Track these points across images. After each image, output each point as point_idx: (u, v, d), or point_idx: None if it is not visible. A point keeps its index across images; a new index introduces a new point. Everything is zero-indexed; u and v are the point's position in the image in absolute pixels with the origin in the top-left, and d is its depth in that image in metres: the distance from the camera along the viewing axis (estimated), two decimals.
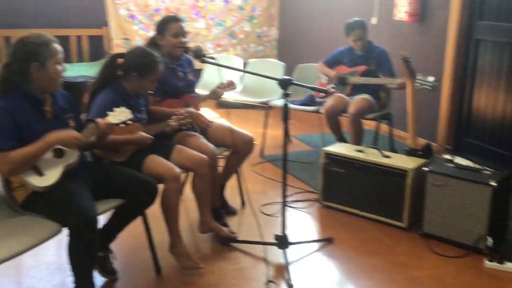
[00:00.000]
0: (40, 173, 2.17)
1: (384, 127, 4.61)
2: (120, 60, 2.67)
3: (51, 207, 2.16)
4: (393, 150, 4.15)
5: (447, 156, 3.21)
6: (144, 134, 2.57)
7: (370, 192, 3.30)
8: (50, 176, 2.18)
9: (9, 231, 2.07)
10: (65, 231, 2.14)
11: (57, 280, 2.59)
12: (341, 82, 4.28)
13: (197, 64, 3.19)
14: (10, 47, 2.26)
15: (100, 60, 6.71)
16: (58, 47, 2.26)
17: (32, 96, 2.23)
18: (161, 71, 2.70)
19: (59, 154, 2.23)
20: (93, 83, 2.69)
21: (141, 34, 6.86)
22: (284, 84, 2.58)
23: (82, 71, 6.08)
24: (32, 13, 6.45)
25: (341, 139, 4.24)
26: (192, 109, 2.92)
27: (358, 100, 4.09)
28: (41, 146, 2.13)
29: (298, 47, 7.13)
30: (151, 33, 6.69)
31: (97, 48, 6.79)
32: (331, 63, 4.43)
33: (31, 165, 2.14)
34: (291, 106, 3.68)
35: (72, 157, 2.24)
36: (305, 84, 2.74)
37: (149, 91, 2.75)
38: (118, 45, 6.79)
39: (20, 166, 2.11)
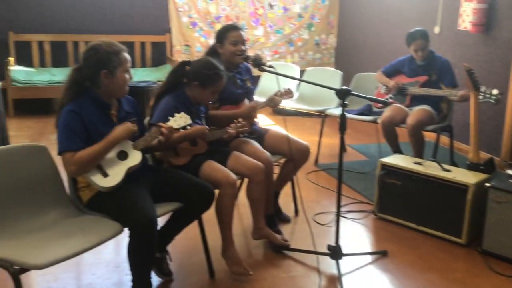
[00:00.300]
0: (104, 174, 2.27)
1: (444, 140, 4.49)
2: (188, 68, 2.75)
3: (114, 207, 2.26)
4: (454, 163, 4.03)
5: (511, 172, 3.09)
6: (199, 126, 2.64)
7: (428, 206, 3.22)
8: (114, 178, 2.27)
9: (75, 230, 2.17)
10: (126, 231, 2.23)
11: (115, 278, 2.70)
12: (400, 92, 4.20)
13: (254, 71, 3.24)
14: (83, 52, 2.37)
15: (162, 65, 6.92)
16: (127, 56, 2.36)
17: (99, 100, 2.34)
18: (224, 84, 2.76)
19: (123, 156, 2.32)
20: (159, 88, 2.79)
21: (201, 41, 7.02)
22: (342, 94, 2.57)
23: (144, 76, 6.30)
24: (100, 19, 6.75)
25: (397, 150, 4.16)
26: (248, 104, 2.96)
27: (418, 111, 4.01)
28: (106, 143, 2.23)
29: (356, 56, 7.06)
30: (211, 40, 6.89)
31: (159, 54, 7.01)
32: (390, 73, 4.36)
33: (96, 164, 2.25)
34: (348, 115, 3.67)
35: (135, 159, 2.33)
36: (363, 95, 2.71)
37: (208, 102, 2.82)
38: (179, 52, 6.98)
39: (87, 166, 2.22)
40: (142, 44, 6.92)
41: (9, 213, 2.14)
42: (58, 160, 2.34)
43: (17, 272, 1.89)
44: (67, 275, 2.70)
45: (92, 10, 6.71)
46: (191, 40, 7.00)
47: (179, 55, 6.97)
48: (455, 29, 5.10)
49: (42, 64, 6.64)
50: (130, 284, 2.32)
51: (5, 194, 2.14)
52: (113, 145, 2.26)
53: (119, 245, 2.98)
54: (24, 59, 6.51)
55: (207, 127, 2.67)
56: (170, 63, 6.82)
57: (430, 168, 3.27)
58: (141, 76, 6.24)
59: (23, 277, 1.93)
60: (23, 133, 5.38)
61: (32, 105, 6.21)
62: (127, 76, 2.36)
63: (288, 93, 3.23)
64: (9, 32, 6.40)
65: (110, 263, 2.82)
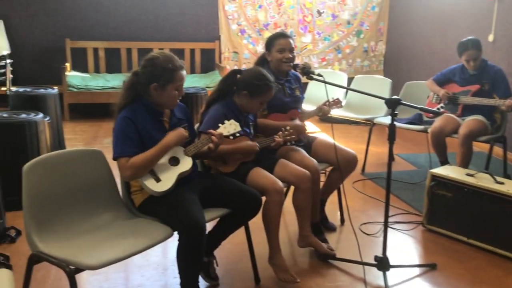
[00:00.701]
0: (157, 179, 2.34)
1: (497, 151, 4.35)
2: (239, 76, 2.80)
3: (164, 211, 2.32)
4: (507, 175, 3.90)
5: None
6: (251, 142, 2.67)
7: (480, 219, 3.13)
8: (166, 183, 2.34)
9: (127, 232, 2.25)
10: (175, 235, 2.28)
11: (163, 280, 2.76)
12: (452, 101, 4.11)
13: (302, 78, 3.25)
14: (143, 59, 2.44)
15: (210, 72, 7.04)
16: (182, 74, 2.40)
17: (152, 107, 2.41)
18: (272, 95, 2.78)
19: (174, 162, 2.39)
20: (210, 96, 2.84)
21: (249, 48, 7.10)
22: (392, 104, 2.54)
23: (194, 82, 6.43)
24: (152, 27, 6.94)
25: (445, 161, 4.06)
26: (297, 122, 2.99)
27: (471, 121, 3.90)
28: (158, 150, 2.31)
29: (406, 63, 6.95)
30: (260, 47, 6.97)
31: (208, 60, 7.14)
32: (442, 82, 4.27)
33: (150, 169, 2.32)
34: (397, 124, 3.62)
35: (186, 165, 2.39)
36: (414, 105, 2.67)
37: (256, 111, 2.85)
38: (227, 58, 7.09)
39: (141, 171, 2.30)
40: (192, 51, 7.07)
41: (66, 214, 2.24)
42: (112, 164, 2.43)
43: (72, 272, 1.97)
44: (118, 275, 2.79)
45: (145, 18, 6.91)
46: (239, 47, 7.09)
47: (228, 62, 7.07)
48: (510, 37, 4.94)
49: (97, 70, 6.89)
50: (178, 287, 2.37)
51: (63, 196, 2.24)
52: (165, 150, 2.33)
53: (167, 248, 3.05)
54: (80, 65, 6.78)
55: (258, 145, 2.71)
56: (218, 70, 6.93)
57: (483, 180, 3.18)
58: (191, 82, 6.37)
59: (77, 276, 2.02)
60: (77, 137, 5.59)
61: (87, 109, 6.45)
62: (176, 92, 2.40)
63: (337, 103, 3.24)
64: (66, 39, 6.69)
65: (158, 266, 2.89)
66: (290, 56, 3.08)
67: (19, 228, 3.19)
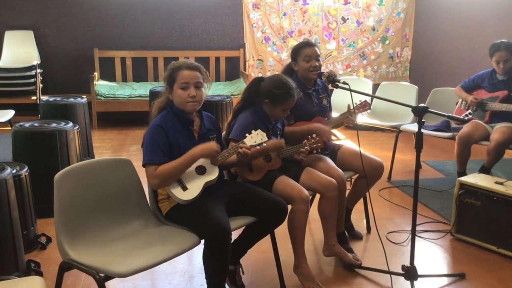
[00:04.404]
0: (184, 187, 2.37)
1: None
2: (262, 84, 2.81)
3: (190, 219, 2.35)
4: None
5: None
6: (275, 140, 2.69)
7: (510, 228, 3.07)
8: (192, 191, 2.37)
9: (155, 240, 2.28)
10: (202, 243, 2.31)
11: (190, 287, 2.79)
12: (480, 107, 4.05)
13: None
14: None
15: (235, 80, 7.09)
16: (186, 73, 2.41)
17: (182, 116, 2.45)
18: (295, 102, 2.78)
19: (201, 171, 2.42)
20: (237, 104, 2.87)
21: (274, 55, 7.12)
22: (420, 112, 2.52)
23: (219, 90, 6.48)
24: (178, 36, 7.04)
25: (463, 172, 4.01)
26: (321, 125, 2.97)
27: (504, 128, 3.84)
28: (186, 160, 2.34)
29: (432, 69, 6.87)
30: (284, 54, 6.99)
31: (233, 68, 7.20)
32: (470, 88, 4.22)
33: (177, 178, 2.35)
34: (425, 131, 3.58)
35: (213, 174, 2.42)
36: (441, 113, 2.65)
37: (279, 118, 2.86)
38: (252, 66, 7.13)
39: (168, 179, 2.34)
40: (217, 59, 7.13)
41: (96, 222, 2.28)
42: (140, 172, 2.47)
43: (102, 279, 2.00)
44: (145, 282, 2.83)
45: (171, 27, 7.00)
46: (264, 55, 7.13)
47: (252, 70, 7.11)
48: None
49: (124, 79, 7.01)
50: None
51: (93, 204, 2.29)
52: (193, 161, 2.36)
53: (193, 255, 3.07)
54: (107, 74, 6.92)
55: (282, 141, 2.71)
56: (243, 78, 6.97)
57: None
58: (216, 90, 6.43)
59: (106, 283, 2.05)
60: (105, 145, 5.69)
61: (114, 117, 6.56)
62: (181, 91, 2.41)
63: (364, 106, 3.17)
64: (94, 49, 6.83)
65: (185, 273, 2.92)
66: (317, 64, 3.09)
67: (50, 235, 3.26)
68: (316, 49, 3.13)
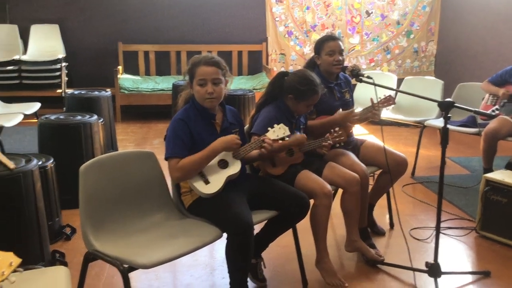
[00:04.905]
0: (206, 181, 2.38)
1: None
2: (286, 78, 2.80)
3: (213, 212, 2.35)
4: None
5: None
6: (298, 135, 2.67)
7: None
8: (215, 185, 2.37)
9: (178, 232, 2.29)
10: (224, 236, 2.31)
11: (212, 280, 2.80)
12: (510, 101, 3.96)
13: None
14: None
15: (257, 74, 7.08)
16: (202, 70, 2.40)
17: (205, 110, 2.45)
18: (318, 98, 2.76)
19: (223, 165, 2.42)
20: (260, 99, 2.86)
21: (297, 49, 7.09)
22: (446, 107, 2.48)
23: (241, 84, 6.48)
24: (201, 30, 7.05)
25: (489, 169, 3.92)
26: (340, 114, 2.95)
27: None
28: (208, 153, 2.35)
29: (458, 64, 6.75)
30: (307, 48, 6.94)
31: (255, 62, 7.19)
32: (497, 83, 4.14)
33: (199, 171, 2.36)
34: (450, 127, 3.52)
35: (235, 168, 2.42)
36: (468, 108, 2.60)
37: (303, 113, 2.85)
38: (274, 60, 7.11)
39: (189, 173, 2.35)
40: (240, 53, 7.13)
41: (120, 214, 2.31)
42: (163, 165, 2.49)
43: (126, 270, 2.03)
44: (167, 274, 2.85)
45: (194, 21, 7.02)
46: (286, 49, 7.10)
47: (275, 64, 7.09)
48: None
49: (147, 73, 7.06)
50: (226, 287, 2.40)
51: (117, 196, 2.31)
52: (215, 154, 2.37)
53: (215, 249, 3.09)
54: (131, 68, 6.98)
55: (304, 136, 2.69)
56: (265, 72, 6.96)
57: None
58: (238, 84, 6.43)
59: (129, 274, 2.07)
60: (128, 138, 5.75)
61: (137, 111, 6.62)
62: (199, 88, 2.40)
63: (388, 100, 3.11)
64: (119, 43, 6.89)
65: (207, 266, 2.94)
66: (340, 58, 3.06)
67: (74, 226, 3.31)
68: (340, 43, 3.10)
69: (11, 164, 2.65)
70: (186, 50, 6.98)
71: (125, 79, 6.62)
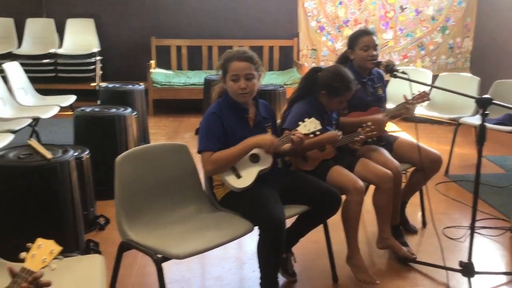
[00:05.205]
0: (238, 175, 2.39)
1: None
2: (319, 74, 2.78)
3: (245, 206, 2.36)
4: None
5: None
6: (332, 132, 2.65)
7: None
8: (246, 179, 2.38)
9: (210, 224, 2.32)
10: (254, 230, 2.32)
11: (242, 273, 2.82)
12: None
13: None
14: None
15: (288, 69, 7.06)
16: (235, 65, 2.39)
17: (237, 104, 2.46)
18: (351, 95, 2.74)
19: (255, 159, 2.43)
20: (292, 94, 2.85)
21: (328, 45, 7.04)
22: (483, 103, 2.42)
23: (272, 79, 6.47)
24: (232, 25, 7.07)
25: None
26: (377, 116, 2.91)
27: None
28: (241, 148, 2.35)
29: (495, 61, 6.59)
30: (338, 44, 6.89)
31: (286, 58, 7.17)
32: None
33: (231, 166, 2.38)
34: (487, 125, 3.43)
35: (266, 163, 2.42)
36: (508, 105, 2.53)
37: (336, 109, 2.83)
38: (306, 56, 7.07)
39: (222, 167, 2.36)
40: (271, 48, 7.12)
41: (153, 205, 2.34)
42: (196, 158, 2.51)
43: (159, 260, 2.06)
44: (198, 266, 2.88)
45: (226, 16, 7.05)
46: (318, 44, 7.05)
47: (306, 59, 7.06)
48: None
49: (179, 67, 7.13)
50: (257, 280, 2.41)
51: (151, 187, 2.35)
52: (249, 151, 2.37)
53: (245, 242, 3.10)
54: (164, 62, 7.05)
55: (339, 133, 2.67)
56: (296, 67, 6.93)
57: None
58: (269, 79, 6.42)
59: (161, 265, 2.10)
60: (160, 131, 5.82)
61: (169, 105, 6.69)
62: (232, 83, 2.40)
63: (423, 97, 3.05)
64: (152, 37, 6.97)
65: (237, 259, 2.96)
66: (374, 53, 3.02)
67: (108, 216, 3.38)
68: (374, 37, 3.06)
69: (48, 154, 2.72)
70: (218, 45, 7.01)
71: (158, 73, 6.69)
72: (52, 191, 2.68)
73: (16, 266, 1.37)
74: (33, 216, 2.60)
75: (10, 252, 1.69)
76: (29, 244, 1.37)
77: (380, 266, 2.92)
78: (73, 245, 2.78)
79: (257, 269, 2.39)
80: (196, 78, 6.60)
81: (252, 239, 2.50)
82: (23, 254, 1.35)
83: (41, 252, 1.36)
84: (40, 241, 1.39)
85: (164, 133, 5.76)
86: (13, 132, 3.79)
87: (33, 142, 2.88)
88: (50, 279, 1.36)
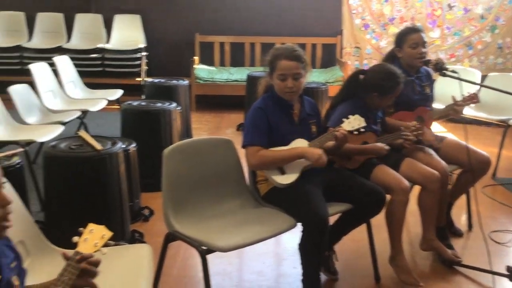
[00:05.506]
0: (282, 171, 2.39)
1: None
2: (361, 77, 2.76)
3: (289, 203, 2.37)
4: None
5: None
6: (379, 144, 2.62)
7: None
8: (290, 176, 2.39)
9: (253, 219, 2.34)
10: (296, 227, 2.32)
11: (283, 270, 2.83)
12: None
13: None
14: None
15: (330, 67, 7.00)
16: (283, 64, 2.39)
17: (283, 101, 2.47)
18: (401, 88, 2.71)
19: None
20: (335, 96, 2.83)
21: (372, 43, 6.95)
22: None
23: (314, 77, 6.43)
24: (276, 22, 7.07)
25: None
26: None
27: None
28: (289, 154, 2.37)
29: None
30: (383, 42, 6.78)
31: (329, 55, 7.12)
32: None
33: (277, 167, 2.39)
34: None
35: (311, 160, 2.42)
36: None
37: (386, 106, 2.79)
38: (349, 54, 7.00)
39: (267, 165, 2.39)
40: (313, 45, 7.08)
41: (199, 198, 2.38)
42: (240, 153, 2.53)
43: (204, 252, 2.09)
44: (239, 260, 2.91)
45: (269, 13, 7.05)
46: (362, 42, 6.97)
47: (349, 57, 6.99)
48: None
49: (222, 64, 7.18)
50: (298, 277, 2.41)
51: (196, 180, 2.38)
52: (296, 158, 2.37)
53: (286, 238, 3.10)
54: (207, 59, 7.12)
55: (386, 147, 2.62)
56: (339, 65, 6.87)
57: None
58: (311, 77, 6.36)
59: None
60: (202, 126, 5.88)
61: (211, 101, 6.76)
62: (279, 82, 2.40)
63: (472, 98, 2.98)
64: (196, 34, 7.05)
65: (278, 255, 2.97)
66: (424, 50, 2.96)
67: (152, 208, 3.45)
68: (423, 35, 3.01)
69: (98, 146, 2.80)
70: (260, 41, 7.02)
71: (201, 69, 6.77)
72: (101, 181, 2.76)
73: (69, 252, 1.42)
74: (82, 205, 2.69)
75: (62, 239, 1.76)
76: (81, 229, 1.41)
77: (423, 268, 2.88)
78: (119, 235, 2.86)
79: (297, 265, 2.39)
80: (238, 74, 6.64)
81: (292, 235, 2.50)
82: (75, 238, 1.39)
83: (93, 237, 1.40)
84: (91, 226, 1.43)
85: (206, 128, 5.82)
86: (63, 123, 3.91)
87: (84, 134, 2.97)
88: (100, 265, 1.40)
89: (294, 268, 2.78)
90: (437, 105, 3.35)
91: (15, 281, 1.29)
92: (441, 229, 2.96)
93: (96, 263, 1.35)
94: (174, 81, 4.97)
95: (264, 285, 2.69)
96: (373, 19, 6.90)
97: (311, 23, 7.06)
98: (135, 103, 4.01)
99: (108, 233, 1.44)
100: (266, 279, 2.74)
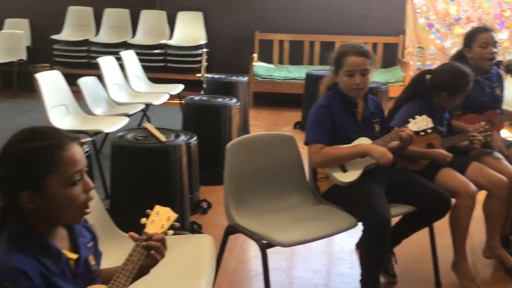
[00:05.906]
0: (344, 170, 2.38)
1: None
2: (428, 77, 2.69)
3: (350, 201, 2.35)
4: None
5: None
6: (444, 152, 2.55)
7: None
8: (352, 174, 2.36)
9: (313, 216, 2.33)
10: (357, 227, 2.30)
11: (340, 269, 2.81)
12: None
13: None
14: None
15: (391, 67, 6.86)
16: (351, 60, 2.36)
17: (347, 99, 2.45)
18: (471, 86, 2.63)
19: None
20: (399, 96, 2.78)
21: (436, 43, 6.76)
22: None
23: (374, 77, 6.30)
24: (336, 20, 7.01)
25: None
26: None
27: None
28: (353, 151, 2.35)
29: None
30: (447, 42, 6.58)
31: (390, 55, 6.98)
32: None
33: (340, 164, 2.37)
34: None
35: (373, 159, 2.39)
36: None
37: (456, 105, 2.72)
38: (411, 54, 6.84)
39: (330, 162, 2.37)
40: (374, 45, 6.96)
41: (259, 193, 2.39)
42: (301, 150, 2.53)
43: (264, 245, 2.11)
44: (296, 258, 2.91)
45: (330, 11, 7.00)
46: (425, 42, 6.79)
47: (411, 57, 6.83)
48: None
49: (281, 61, 7.20)
50: (355, 277, 2.39)
51: (258, 175, 2.40)
52: (360, 155, 2.34)
53: (343, 239, 3.07)
54: (266, 56, 7.15)
55: (450, 155, 2.55)
56: (400, 65, 6.72)
57: None
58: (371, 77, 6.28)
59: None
60: (259, 123, 5.92)
61: (269, 98, 6.78)
62: (345, 78, 2.38)
63: None
64: (255, 31, 7.10)
65: (335, 254, 2.95)
66: (495, 50, 2.86)
67: (210, 201, 3.51)
68: (493, 34, 2.90)
69: (163, 138, 2.88)
70: (320, 40, 6.98)
71: (259, 67, 6.80)
72: (164, 172, 2.84)
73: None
74: (146, 194, 2.78)
75: (125, 226, 1.81)
76: (148, 211, 1.45)
77: (485, 276, 2.78)
78: (180, 225, 2.92)
79: (355, 266, 2.38)
80: (297, 72, 6.63)
81: (351, 235, 2.47)
82: (143, 220, 1.42)
83: (160, 218, 1.44)
84: (158, 208, 1.47)
85: (263, 125, 5.85)
86: (128, 115, 4.04)
87: (149, 126, 3.07)
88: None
89: (351, 269, 2.76)
90: (506, 108, 3.22)
91: (92, 260, 1.35)
92: (505, 237, 2.85)
93: (164, 242, 1.39)
94: (234, 78, 5.03)
95: (321, 284, 2.68)
96: (438, 19, 6.70)
97: (372, 22, 6.94)
98: (197, 98, 4.09)
99: (173, 215, 1.47)
100: (322, 277, 2.74)
